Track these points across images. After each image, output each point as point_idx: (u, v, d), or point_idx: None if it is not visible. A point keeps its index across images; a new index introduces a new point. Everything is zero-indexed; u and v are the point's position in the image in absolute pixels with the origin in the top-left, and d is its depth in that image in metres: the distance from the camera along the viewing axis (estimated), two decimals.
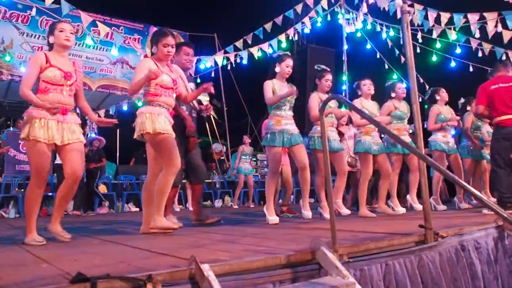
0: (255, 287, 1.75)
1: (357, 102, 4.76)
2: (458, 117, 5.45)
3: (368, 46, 10.14)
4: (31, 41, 10.24)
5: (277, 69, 4.15)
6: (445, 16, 7.16)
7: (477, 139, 5.73)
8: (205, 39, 12.15)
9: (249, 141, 9.28)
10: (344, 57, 10.13)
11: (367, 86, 4.82)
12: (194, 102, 4.21)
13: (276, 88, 4.10)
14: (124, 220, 5.59)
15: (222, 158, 12.55)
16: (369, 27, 9.51)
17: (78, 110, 3.38)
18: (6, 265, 2.02)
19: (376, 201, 5.19)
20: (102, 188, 8.83)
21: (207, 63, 8.60)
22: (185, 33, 12.32)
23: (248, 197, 9.25)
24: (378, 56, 10.14)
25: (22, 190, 8.15)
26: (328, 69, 4.58)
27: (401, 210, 4.66)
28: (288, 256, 1.90)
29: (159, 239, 3.00)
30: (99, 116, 9.78)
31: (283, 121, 4.09)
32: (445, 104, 5.48)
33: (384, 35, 9.55)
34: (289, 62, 4.18)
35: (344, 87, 10.47)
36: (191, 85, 4.20)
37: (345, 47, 10.13)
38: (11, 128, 9.66)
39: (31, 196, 2.89)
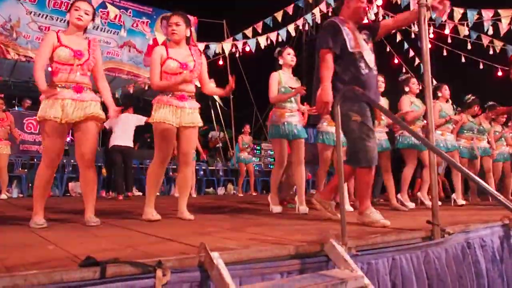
0: (263, 277, 1.74)
1: None
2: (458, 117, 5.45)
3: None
4: (38, 20, 10.18)
5: (280, 62, 4.26)
6: (458, 12, 7.06)
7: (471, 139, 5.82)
8: (214, 26, 12.05)
9: (249, 130, 9.31)
10: None
11: (379, 83, 4.79)
12: None
13: (282, 79, 4.15)
14: (128, 204, 5.60)
15: (218, 146, 12.53)
16: (380, 19, 9.38)
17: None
18: (12, 246, 2.02)
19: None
20: (104, 172, 8.85)
21: (215, 49, 8.52)
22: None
23: (250, 186, 9.28)
24: (388, 50, 10.04)
25: (26, 170, 8.18)
26: None
27: (411, 204, 4.67)
28: (296, 247, 1.89)
29: (165, 224, 3.00)
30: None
31: (287, 114, 4.13)
32: (446, 101, 5.46)
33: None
34: (289, 50, 4.28)
35: None
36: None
37: None
38: (16, 108, 9.65)
39: (39, 176, 2.86)
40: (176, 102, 3.23)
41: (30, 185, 7.82)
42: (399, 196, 4.90)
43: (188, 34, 3.37)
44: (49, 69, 2.95)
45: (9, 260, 1.59)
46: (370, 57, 3.05)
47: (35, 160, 8.51)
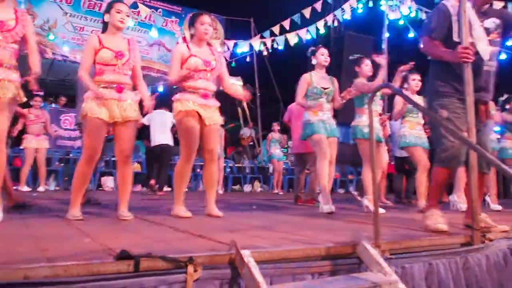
0: (293, 277, 1.73)
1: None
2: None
3: (411, 34, 9.71)
4: (73, 21, 10.46)
5: (313, 62, 4.23)
6: (498, 5, 6.80)
7: None
8: (241, 24, 12.08)
9: (278, 128, 9.29)
10: (384, 46, 9.79)
11: (416, 82, 4.68)
12: None
13: (313, 80, 4.15)
14: (158, 199, 5.70)
15: (250, 143, 12.53)
16: (413, 14, 9.12)
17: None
18: (51, 237, 2.08)
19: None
20: (136, 167, 9.02)
21: (243, 47, 8.55)
22: (221, 17, 12.27)
23: (277, 183, 9.26)
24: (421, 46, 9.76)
25: (62, 164, 8.46)
26: (363, 56, 4.52)
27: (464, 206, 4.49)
28: (328, 247, 1.86)
29: (194, 221, 3.03)
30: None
31: (320, 112, 4.10)
32: None
33: None
34: (323, 51, 4.24)
35: None
36: (235, 80, 3.85)
37: (386, 35, 9.77)
38: (53, 105, 9.96)
39: (79, 171, 2.95)
40: (199, 100, 3.25)
41: (66, 178, 8.07)
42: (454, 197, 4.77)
43: None
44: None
45: (50, 251, 1.65)
46: (484, 48, 2.65)
47: (71, 154, 8.78)
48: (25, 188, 6.81)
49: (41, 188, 6.94)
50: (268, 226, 2.72)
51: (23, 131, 6.82)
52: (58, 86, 11.27)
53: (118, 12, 3.01)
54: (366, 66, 4.42)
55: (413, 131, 4.64)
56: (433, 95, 2.76)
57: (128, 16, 3.06)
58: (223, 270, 1.63)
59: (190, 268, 1.54)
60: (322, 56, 4.19)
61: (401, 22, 9.54)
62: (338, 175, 11.23)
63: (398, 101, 4.67)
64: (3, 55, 2.63)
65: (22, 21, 2.72)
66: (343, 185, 11.29)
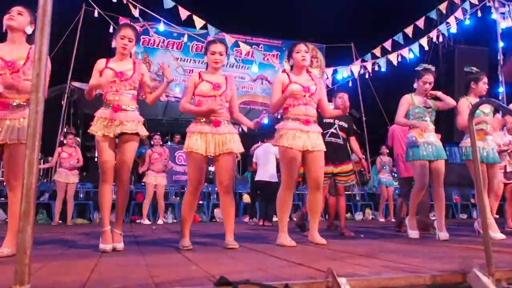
0: None
1: None
2: None
3: None
4: (184, 65, 11.50)
5: (415, 85, 4.08)
6: None
7: None
8: (342, 50, 12.06)
9: (387, 151, 8.87)
10: (500, 56, 8.95)
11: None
12: None
13: (414, 101, 4.02)
14: (266, 228, 5.82)
15: (361, 169, 12.14)
16: None
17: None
18: (162, 265, 2.28)
19: None
20: (246, 198, 9.34)
21: (343, 73, 8.52)
22: (322, 45, 12.40)
23: (390, 210, 8.79)
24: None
25: (178, 198, 9.11)
26: (481, 72, 4.15)
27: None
28: (433, 276, 1.74)
29: (298, 249, 3.05)
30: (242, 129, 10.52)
31: (425, 133, 3.91)
32: None
33: None
34: (428, 78, 3.98)
35: (500, 90, 9.28)
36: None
37: (501, 44, 8.94)
38: (169, 143, 10.92)
39: (184, 202, 3.22)
40: (302, 127, 3.31)
41: None
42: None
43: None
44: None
45: (159, 277, 1.80)
46: None
47: (185, 188, 9.40)
48: (146, 222, 7.36)
49: (160, 221, 7.53)
50: (371, 254, 2.62)
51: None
52: (173, 125, 12.34)
53: (213, 54, 3.25)
54: (484, 85, 4.06)
55: (480, 142, 3.99)
56: None
57: (222, 55, 3.27)
58: None
59: None
60: (425, 85, 3.97)
61: None
62: (459, 199, 10.31)
63: (463, 109, 4.10)
64: (123, 100, 3.03)
65: (138, 70, 3.13)
66: (465, 210, 10.32)
